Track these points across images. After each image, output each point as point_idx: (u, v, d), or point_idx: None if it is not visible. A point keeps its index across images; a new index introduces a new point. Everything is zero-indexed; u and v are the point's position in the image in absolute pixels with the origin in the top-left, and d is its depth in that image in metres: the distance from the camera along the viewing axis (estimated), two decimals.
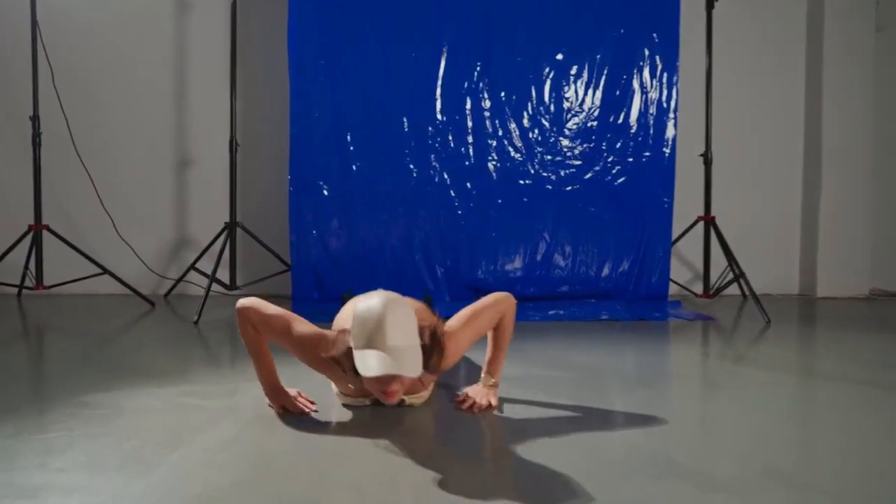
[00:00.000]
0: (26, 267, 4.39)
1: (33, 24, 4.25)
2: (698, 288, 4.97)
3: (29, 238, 4.32)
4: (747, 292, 4.52)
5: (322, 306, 4.11)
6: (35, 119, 4.28)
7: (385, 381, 1.95)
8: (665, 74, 4.74)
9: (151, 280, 4.78)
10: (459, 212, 4.64)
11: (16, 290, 4.56)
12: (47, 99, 4.42)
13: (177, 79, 4.87)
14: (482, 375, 2.38)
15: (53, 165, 4.61)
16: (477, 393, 2.34)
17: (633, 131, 4.75)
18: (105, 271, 4.38)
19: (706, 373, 3.06)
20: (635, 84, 4.74)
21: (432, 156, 4.64)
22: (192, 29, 4.86)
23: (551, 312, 4.35)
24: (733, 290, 4.83)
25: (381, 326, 1.89)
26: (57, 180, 4.68)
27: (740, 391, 2.70)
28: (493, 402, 2.30)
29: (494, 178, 4.70)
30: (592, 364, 3.08)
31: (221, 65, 4.68)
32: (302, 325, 2.16)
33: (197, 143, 4.89)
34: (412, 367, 1.90)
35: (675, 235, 4.81)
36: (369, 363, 1.89)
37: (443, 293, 4.59)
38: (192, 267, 4.62)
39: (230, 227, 4.51)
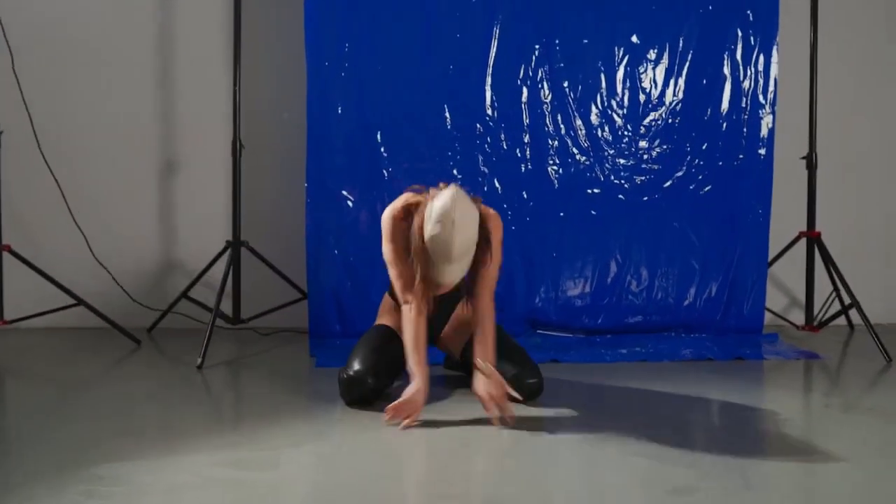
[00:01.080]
0: None
1: None
2: (797, 318, 4.14)
3: None
4: (858, 324, 3.72)
5: (346, 342, 3.36)
6: None
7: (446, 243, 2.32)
8: (761, 59, 3.91)
9: (134, 311, 3.90)
10: (513, 227, 3.80)
11: None
12: (5, 88, 3.56)
13: (165, 63, 3.97)
14: (478, 362, 2.48)
15: (13, 171, 3.71)
16: (490, 388, 2.43)
17: (723, 129, 3.93)
18: (79, 302, 3.52)
19: (812, 426, 2.65)
20: (725, 71, 3.92)
21: (480, 158, 3.80)
22: (183, 5, 3.97)
23: (623, 351, 3.56)
24: (839, 320, 4.00)
25: (448, 199, 2.34)
26: (18, 190, 3.79)
27: (859, 449, 2.26)
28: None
29: (556, 185, 3.87)
30: (674, 414, 2.67)
31: (221, 46, 3.81)
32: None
33: (190, 143, 4.00)
34: (471, 230, 2.37)
35: (771, 255, 3.98)
36: (435, 225, 2.31)
37: None
38: (184, 295, 3.76)
39: (233, 247, 3.65)
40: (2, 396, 2.98)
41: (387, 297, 2.90)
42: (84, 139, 3.94)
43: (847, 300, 3.77)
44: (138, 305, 3.90)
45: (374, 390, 2.61)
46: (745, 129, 3.93)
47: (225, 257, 3.64)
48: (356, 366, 2.62)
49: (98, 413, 2.60)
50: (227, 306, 3.71)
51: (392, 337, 2.74)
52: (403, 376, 2.59)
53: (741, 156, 3.93)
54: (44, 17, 3.88)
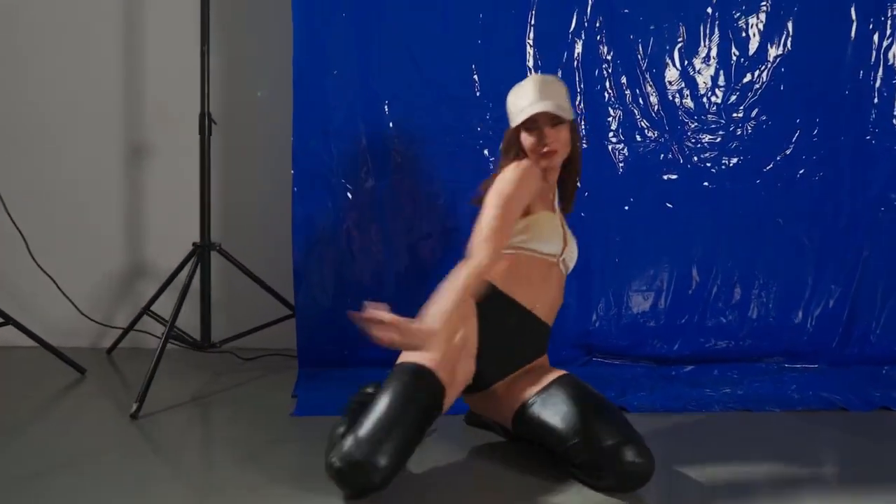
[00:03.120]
0: None
1: None
2: None
3: None
4: None
5: (342, 373, 2.72)
6: None
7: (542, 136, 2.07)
8: None
9: (89, 328, 3.15)
10: None
11: None
12: None
13: (126, 26, 3.19)
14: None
15: None
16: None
17: (845, 95, 2.99)
18: (7, 320, 2.78)
19: None
20: (851, 16, 2.94)
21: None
22: None
23: (709, 392, 2.71)
24: None
25: (535, 82, 2.13)
26: None
27: None
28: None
29: (619, 170, 3.00)
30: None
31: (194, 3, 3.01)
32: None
33: (155, 121, 3.20)
34: (565, 109, 2.09)
35: None
36: (525, 103, 2.08)
37: None
38: (147, 311, 2.99)
39: (200, 251, 2.86)
40: None
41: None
42: (28, 117, 3.18)
43: None
44: (92, 322, 3.15)
45: (384, 478, 1.77)
46: (875, 96, 3.01)
47: (190, 263, 2.85)
48: (354, 446, 1.77)
49: (14, 474, 1.97)
50: (193, 324, 2.92)
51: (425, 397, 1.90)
52: None
53: (872, 130, 3.00)
54: None
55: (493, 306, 2.02)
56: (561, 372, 2.05)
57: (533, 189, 2.06)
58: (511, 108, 2.14)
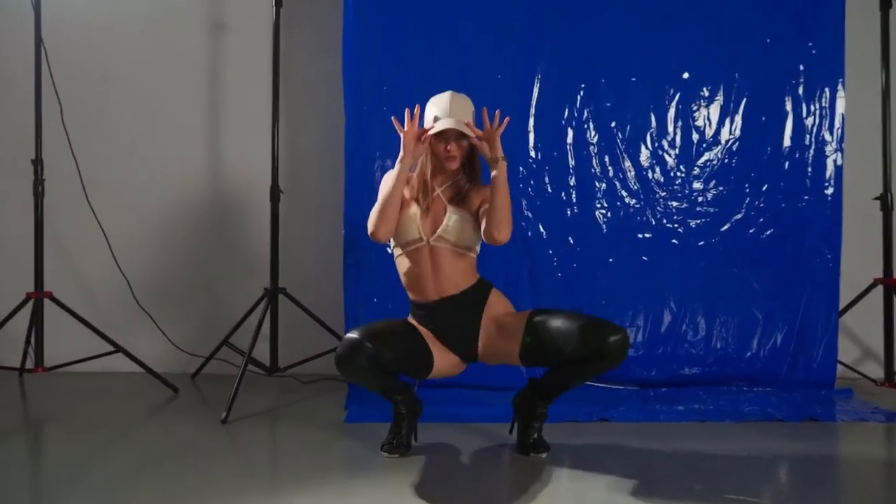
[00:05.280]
0: (27, 342, 3.57)
1: (37, 47, 3.47)
2: (872, 371, 3.81)
3: (29, 308, 3.50)
4: None
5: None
6: (38, 162, 3.48)
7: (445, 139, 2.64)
8: (826, 94, 3.66)
9: (179, 357, 3.89)
10: (559, 273, 3.66)
11: (17, 370, 3.73)
12: (54, 138, 3.63)
13: (210, 114, 4.02)
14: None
15: (60, 218, 3.80)
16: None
17: (785, 168, 3.67)
18: (118, 349, 3.52)
19: None
20: (787, 107, 3.67)
21: (524, 203, 3.66)
22: (228, 54, 4.00)
23: (680, 408, 3.30)
24: None
25: (447, 98, 2.66)
26: (65, 237, 3.87)
27: None
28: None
29: (604, 230, 3.69)
30: (741, 488, 2.35)
31: (262, 95, 3.80)
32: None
33: (233, 191, 4.00)
34: (464, 127, 2.60)
35: (842, 302, 3.68)
36: (438, 121, 2.62)
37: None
38: (226, 342, 3.73)
39: (271, 295, 3.60)
40: (37, 442, 2.97)
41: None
42: (131, 188, 3.99)
43: None
44: (182, 352, 3.88)
45: (369, 356, 2.45)
46: (809, 169, 3.67)
47: (262, 305, 3.58)
48: (354, 332, 2.51)
49: (129, 466, 2.59)
50: (264, 354, 3.65)
51: (410, 331, 2.66)
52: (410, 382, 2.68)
53: (806, 197, 3.66)
54: (94, 65, 3.97)
55: (417, 314, 2.70)
56: (527, 312, 2.64)
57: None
58: (427, 115, 2.65)
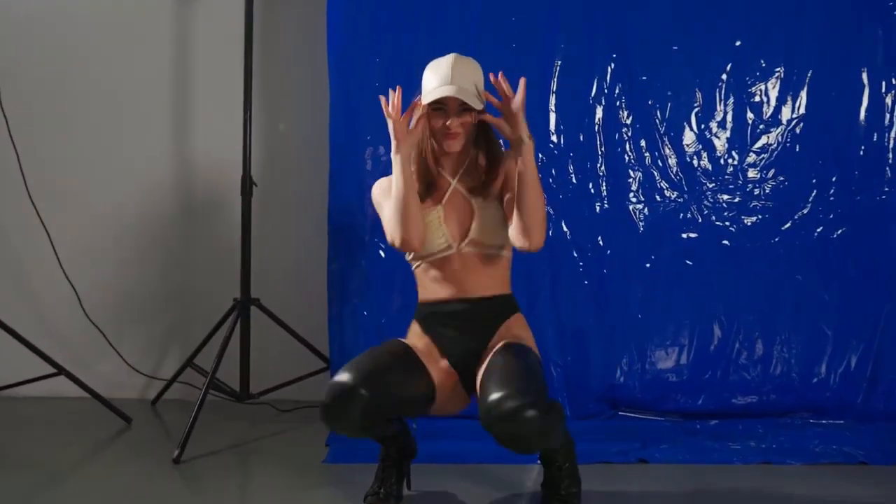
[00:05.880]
0: None
1: None
2: None
3: None
4: None
5: None
6: None
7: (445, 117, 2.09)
8: None
9: (137, 380, 3.33)
10: (585, 281, 3.10)
11: None
12: None
13: (176, 95, 3.44)
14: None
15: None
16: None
17: (860, 154, 3.09)
18: (59, 370, 2.97)
19: None
20: (863, 80, 3.08)
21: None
22: (196, 25, 3.42)
23: (735, 446, 2.76)
24: None
25: (447, 62, 2.10)
26: (6, 243, 3.34)
27: None
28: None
29: (640, 229, 3.12)
30: None
31: (237, 74, 3.22)
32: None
33: (202, 185, 3.43)
34: (471, 97, 2.06)
35: None
36: (433, 88, 2.08)
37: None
38: (189, 363, 3.17)
39: (241, 306, 3.03)
40: None
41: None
42: (82, 182, 3.43)
43: None
44: (139, 374, 3.33)
45: (365, 408, 1.94)
46: (889, 155, 3.09)
47: (231, 318, 3.02)
48: (345, 374, 1.99)
49: None
50: (234, 376, 3.08)
51: (410, 359, 2.12)
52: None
53: (886, 189, 3.08)
54: (40, 41, 3.42)
55: (423, 313, 2.20)
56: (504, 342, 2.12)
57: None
58: (425, 85, 2.12)
